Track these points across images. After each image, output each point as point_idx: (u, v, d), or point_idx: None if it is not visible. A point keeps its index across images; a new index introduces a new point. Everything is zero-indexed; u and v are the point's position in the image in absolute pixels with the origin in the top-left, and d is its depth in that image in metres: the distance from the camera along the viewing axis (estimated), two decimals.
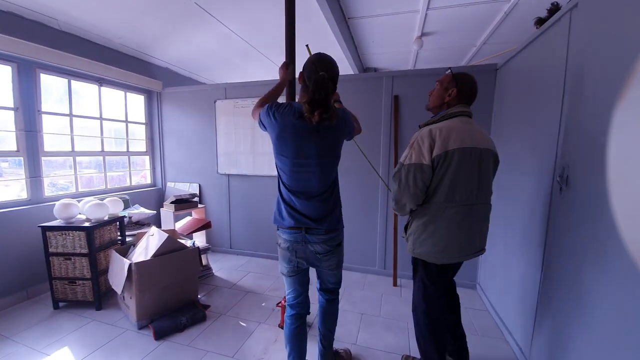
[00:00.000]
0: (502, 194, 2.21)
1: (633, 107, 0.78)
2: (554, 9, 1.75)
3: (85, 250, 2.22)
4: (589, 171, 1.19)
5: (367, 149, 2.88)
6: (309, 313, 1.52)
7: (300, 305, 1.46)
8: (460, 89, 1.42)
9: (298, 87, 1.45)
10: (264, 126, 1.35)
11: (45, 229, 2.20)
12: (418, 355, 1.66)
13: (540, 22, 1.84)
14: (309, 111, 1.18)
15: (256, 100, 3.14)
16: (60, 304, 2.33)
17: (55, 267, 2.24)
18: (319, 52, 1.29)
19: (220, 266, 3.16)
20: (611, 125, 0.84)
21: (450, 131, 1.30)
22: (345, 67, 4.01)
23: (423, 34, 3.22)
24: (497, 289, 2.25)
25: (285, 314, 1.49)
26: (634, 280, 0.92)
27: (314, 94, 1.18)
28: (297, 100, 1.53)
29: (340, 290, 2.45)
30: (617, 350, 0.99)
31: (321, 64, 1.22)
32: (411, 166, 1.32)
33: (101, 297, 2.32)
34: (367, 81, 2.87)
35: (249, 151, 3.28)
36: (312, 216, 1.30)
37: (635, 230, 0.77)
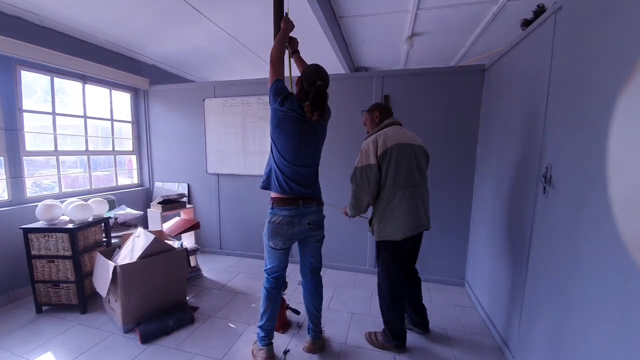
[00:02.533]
0: (488, 193, 2.24)
1: (635, 100, 0.79)
2: (540, 11, 1.78)
3: (69, 253, 2.16)
4: (572, 171, 1.21)
5: (357, 148, 2.88)
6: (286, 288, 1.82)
7: (282, 275, 1.73)
8: (380, 110, 1.89)
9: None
10: (272, 100, 1.57)
11: (27, 231, 2.13)
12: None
13: (526, 23, 1.87)
14: (310, 112, 1.49)
15: (248, 98, 3.13)
16: (44, 308, 2.26)
17: (38, 270, 2.18)
18: (316, 64, 1.61)
19: (210, 267, 3.13)
20: (612, 117, 0.85)
21: (387, 135, 1.73)
22: (336, 65, 4.00)
23: (413, 34, 3.23)
24: (484, 287, 2.28)
25: (267, 282, 1.71)
26: (617, 275, 0.94)
27: (315, 99, 1.48)
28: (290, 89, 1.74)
29: (331, 290, 2.47)
30: (602, 345, 1.01)
31: (319, 75, 1.54)
32: (363, 168, 1.73)
33: (86, 301, 2.26)
34: (357, 80, 2.87)
35: (240, 150, 3.25)
36: (305, 183, 1.61)
37: (631, 222, 0.78)
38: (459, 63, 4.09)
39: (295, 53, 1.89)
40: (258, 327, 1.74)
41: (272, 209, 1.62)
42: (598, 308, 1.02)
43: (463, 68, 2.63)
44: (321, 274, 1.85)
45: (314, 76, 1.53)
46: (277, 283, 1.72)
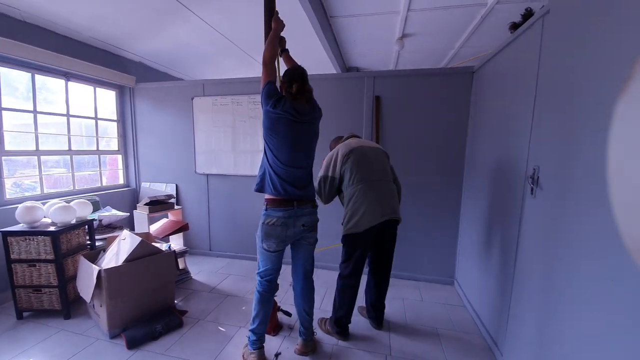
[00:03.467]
0: (477, 194, 2.27)
1: (635, 101, 0.80)
2: (528, 15, 1.81)
3: (51, 256, 2.09)
4: (559, 172, 1.23)
5: None
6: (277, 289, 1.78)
7: (275, 278, 1.72)
8: (342, 137, 2.17)
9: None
10: (264, 103, 1.57)
11: (6, 234, 2.05)
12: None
13: (514, 26, 1.90)
14: (291, 89, 1.56)
15: (238, 97, 3.09)
16: (25, 314, 2.18)
17: (19, 275, 2.10)
18: (296, 66, 1.67)
19: (199, 269, 3.07)
20: (612, 118, 0.86)
21: (348, 144, 1.97)
22: (328, 65, 3.99)
23: (404, 35, 3.25)
24: (473, 285, 2.31)
25: (260, 285, 1.69)
26: (603, 275, 0.97)
27: (292, 75, 1.58)
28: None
29: (323, 290, 2.46)
30: (588, 344, 1.03)
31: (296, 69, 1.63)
32: (322, 177, 1.94)
33: (70, 305, 2.19)
34: (348, 81, 2.87)
35: (230, 150, 3.20)
36: (300, 185, 1.61)
37: (633, 227, 0.78)
38: (449, 64, 4.14)
39: (284, 52, 1.88)
40: (249, 330, 1.71)
41: (266, 210, 1.61)
42: (584, 307, 1.04)
43: (452, 70, 2.66)
44: (313, 276, 1.84)
45: (291, 71, 1.62)
46: (270, 286, 1.70)
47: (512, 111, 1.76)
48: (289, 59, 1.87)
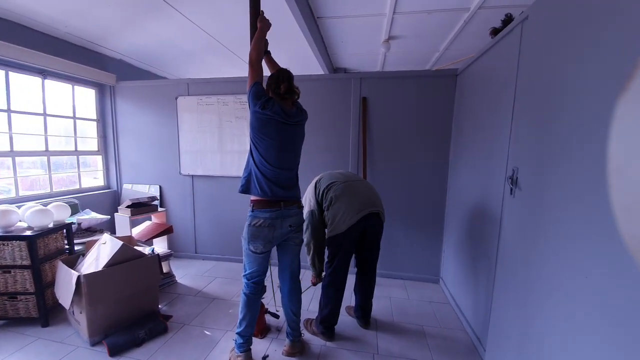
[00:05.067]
0: (461, 194, 2.33)
1: (635, 101, 0.82)
2: (508, 20, 1.87)
3: (27, 262, 2.00)
4: (537, 173, 1.28)
5: (336, 150, 2.90)
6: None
7: (261, 280, 1.71)
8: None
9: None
10: (252, 104, 1.56)
11: None
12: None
13: (495, 32, 1.95)
14: (280, 90, 1.57)
15: (224, 97, 3.05)
16: None
17: None
18: (282, 68, 1.68)
19: (184, 273, 3.01)
20: (612, 118, 0.89)
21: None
22: (315, 66, 3.99)
23: (390, 37, 3.29)
24: (457, 283, 2.37)
25: (246, 288, 1.68)
26: (578, 271, 1.01)
27: (279, 77, 1.60)
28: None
29: (311, 291, 2.46)
30: (570, 340, 1.07)
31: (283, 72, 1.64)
32: (309, 213, 1.98)
33: (48, 313, 2.10)
34: (335, 82, 2.88)
35: (216, 150, 3.16)
36: (287, 185, 1.61)
37: (634, 227, 0.80)
38: (434, 67, 4.22)
39: (266, 54, 1.86)
40: (236, 333, 1.70)
41: (252, 211, 1.60)
42: (561, 303, 1.08)
43: (437, 72, 2.71)
44: (301, 276, 1.84)
45: (278, 72, 1.64)
46: (256, 288, 1.69)
47: (493, 113, 1.81)
48: (271, 61, 1.86)
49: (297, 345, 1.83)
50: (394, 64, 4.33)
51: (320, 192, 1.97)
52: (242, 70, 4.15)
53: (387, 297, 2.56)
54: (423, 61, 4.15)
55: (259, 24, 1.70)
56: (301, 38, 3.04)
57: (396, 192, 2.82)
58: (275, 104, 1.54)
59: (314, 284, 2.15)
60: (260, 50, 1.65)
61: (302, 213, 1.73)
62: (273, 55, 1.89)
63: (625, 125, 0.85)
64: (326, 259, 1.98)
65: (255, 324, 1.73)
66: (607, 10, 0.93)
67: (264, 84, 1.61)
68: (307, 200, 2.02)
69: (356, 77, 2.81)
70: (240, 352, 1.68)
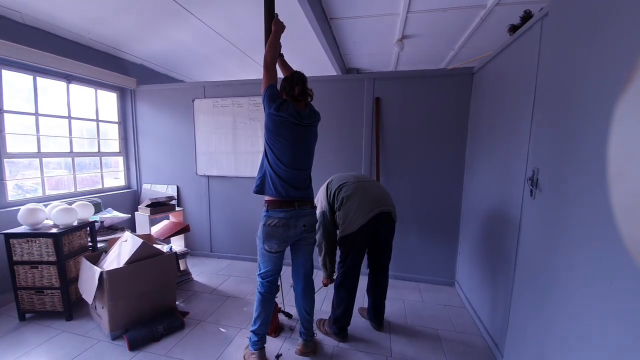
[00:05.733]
0: (477, 195, 2.28)
1: (634, 102, 0.80)
2: (527, 17, 1.81)
3: (53, 258, 2.10)
4: (559, 174, 1.24)
5: (349, 151, 2.90)
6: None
7: (276, 279, 1.73)
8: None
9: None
10: (267, 106, 1.59)
11: (8, 236, 2.06)
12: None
13: (513, 29, 1.91)
14: (294, 92, 1.59)
15: (238, 99, 3.10)
16: (27, 315, 2.19)
17: (21, 277, 2.11)
18: (295, 71, 1.69)
19: (200, 271, 3.08)
20: (611, 120, 0.87)
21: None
22: (328, 67, 4.00)
23: (404, 37, 3.25)
24: (474, 287, 2.32)
25: (261, 287, 1.70)
26: (603, 277, 0.97)
27: (293, 78, 1.61)
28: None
29: (323, 291, 2.47)
30: (590, 347, 1.03)
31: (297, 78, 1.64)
32: (321, 213, 2.00)
33: (72, 307, 2.20)
34: (348, 82, 2.88)
35: (230, 151, 3.21)
36: (301, 186, 1.63)
37: (634, 228, 0.79)
38: (449, 66, 4.14)
39: (279, 57, 1.87)
40: (250, 331, 1.72)
41: (267, 211, 1.62)
42: (585, 309, 1.05)
43: (452, 71, 2.67)
44: (313, 276, 1.85)
45: (292, 74, 1.65)
46: (271, 287, 1.71)
47: (512, 113, 1.77)
48: (283, 64, 1.89)
49: (310, 345, 1.84)
50: (408, 64, 4.28)
51: (332, 193, 1.97)
52: (255, 72, 4.21)
53: (400, 300, 2.53)
54: (437, 60, 4.09)
55: (273, 27, 1.72)
56: (314, 40, 3.06)
57: (410, 194, 2.79)
58: (290, 106, 1.56)
59: (325, 285, 2.15)
60: (275, 52, 1.68)
61: (315, 213, 1.75)
62: (286, 57, 1.92)
63: (625, 126, 0.83)
64: (338, 259, 1.98)
65: (269, 322, 1.74)
66: (634, 5, 0.89)
67: (278, 86, 1.64)
68: (319, 201, 2.04)
69: (369, 77, 2.80)
70: (255, 350, 1.71)
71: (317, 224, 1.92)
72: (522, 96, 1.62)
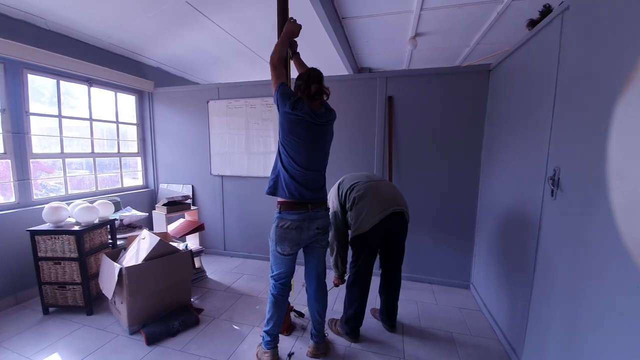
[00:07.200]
0: (494, 195, 2.22)
1: (635, 103, 0.78)
2: (546, 11, 1.76)
3: (75, 255, 2.18)
4: (582, 174, 1.19)
5: (361, 151, 2.88)
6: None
7: (288, 281, 1.72)
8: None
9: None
10: (281, 104, 1.55)
11: (33, 233, 2.15)
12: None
13: (532, 23, 1.85)
14: (309, 90, 1.54)
15: (251, 100, 3.13)
16: (50, 309, 2.29)
17: (45, 272, 2.20)
18: (311, 68, 1.64)
19: (214, 268, 3.14)
20: (611, 121, 0.84)
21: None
22: (339, 66, 4.00)
23: (417, 34, 3.21)
24: (490, 290, 2.26)
25: (274, 289, 1.70)
26: (630, 280, 0.93)
27: (309, 77, 1.56)
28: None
29: (335, 291, 2.46)
30: (612, 351, 0.99)
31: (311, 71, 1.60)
32: (333, 213, 2.00)
33: (92, 302, 2.28)
34: (360, 82, 2.86)
35: (243, 151, 3.26)
36: (315, 187, 1.60)
37: (633, 228, 0.76)
38: (464, 63, 4.06)
39: (295, 55, 1.87)
40: (264, 331, 1.74)
41: (279, 213, 1.59)
42: (609, 315, 1.00)
43: (468, 68, 2.61)
44: (325, 278, 1.83)
45: (308, 72, 1.61)
46: (284, 289, 1.70)
47: (531, 110, 1.71)
48: (299, 63, 1.87)
49: (321, 347, 1.84)
50: (421, 62, 4.22)
51: (343, 194, 1.96)
52: (267, 73, 4.23)
53: (413, 302, 2.49)
54: (452, 57, 4.01)
55: (286, 27, 1.70)
56: (326, 39, 3.06)
57: (424, 194, 2.74)
58: (305, 105, 1.52)
59: (336, 285, 2.14)
60: (283, 51, 1.65)
61: (328, 215, 1.71)
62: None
63: (625, 127, 0.80)
64: (350, 259, 1.97)
65: (282, 323, 1.75)
66: None
67: (292, 84, 1.63)
68: (330, 201, 2.02)
69: (382, 76, 2.78)
70: (267, 349, 1.72)
71: (330, 237, 1.91)
72: (542, 93, 1.56)
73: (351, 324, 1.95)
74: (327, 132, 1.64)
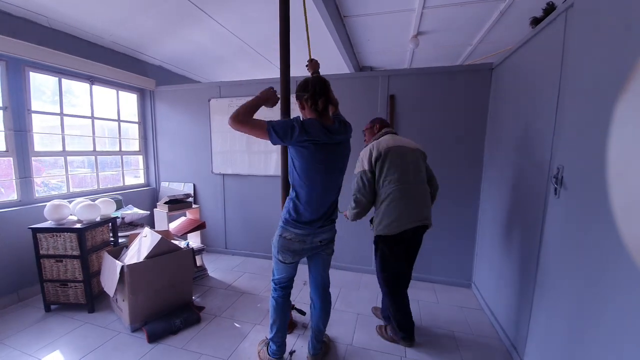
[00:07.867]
0: (496, 194, 2.21)
1: (634, 103, 0.78)
2: (550, 9, 1.75)
3: (76, 252, 2.18)
4: (586, 172, 1.19)
5: (363, 148, 2.87)
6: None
7: (290, 285, 1.69)
8: (380, 122, 2.06)
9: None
10: (286, 141, 1.38)
11: (35, 231, 2.16)
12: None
13: (535, 21, 1.84)
14: (317, 104, 1.41)
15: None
16: (52, 307, 2.29)
17: (47, 270, 2.21)
18: (314, 77, 1.53)
19: (215, 267, 3.14)
20: (611, 121, 0.84)
21: (381, 142, 1.87)
22: (341, 65, 3.99)
23: (419, 33, 3.21)
24: (491, 289, 2.25)
25: (275, 292, 1.67)
26: (632, 279, 0.92)
27: (315, 89, 1.41)
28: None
29: (336, 291, 2.46)
30: (614, 350, 0.99)
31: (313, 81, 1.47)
32: (359, 173, 1.87)
33: (94, 300, 2.28)
34: (362, 80, 2.85)
35: (244, 150, 3.25)
36: (327, 212, 1.54)
37: (633, 227, 0.76)
38: (466, 62, 4.05)
39: (315, 75, 1.81)
40: (269, 339, 1.71)
41: (284, 224, 1.52)
42: (613, 314, 1.00)
43: (470, 67, 2.60)
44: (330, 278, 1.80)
45: (312, 84, 1.45)
46: (285, 292, 1.68)
47: (534, 108, 1.70)
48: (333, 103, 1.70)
49: (320, 355, 1.78)
50: (423, 61, 4.21)
51: (377, 160, 1.82)
52: (268, 71, 4.25)
53: (415, 300, 2.49)
54: (454, 56, 4.00)
55: (261, 93, 1.54)
56: (327, 38, 3.05)
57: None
58: (314, 124, 1.36)
59: (346, 217, 2.01)
60: (249, 116, 1.42)
61: (334, 227, 1.63)
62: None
63: (625, 127, 0.79)
64: (376, 263, 1.93)
65: (286, 329, 1.72)
66: None
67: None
68: (360, 160, 1.89)
69: (384, 74, 2.77)
70: (274, 358, 1.71)
71: (354, 182, 1.86)
72: (546, 91, 1.56)
73: (405, 327, 1.90)
74: (344, 153, 1.53)
